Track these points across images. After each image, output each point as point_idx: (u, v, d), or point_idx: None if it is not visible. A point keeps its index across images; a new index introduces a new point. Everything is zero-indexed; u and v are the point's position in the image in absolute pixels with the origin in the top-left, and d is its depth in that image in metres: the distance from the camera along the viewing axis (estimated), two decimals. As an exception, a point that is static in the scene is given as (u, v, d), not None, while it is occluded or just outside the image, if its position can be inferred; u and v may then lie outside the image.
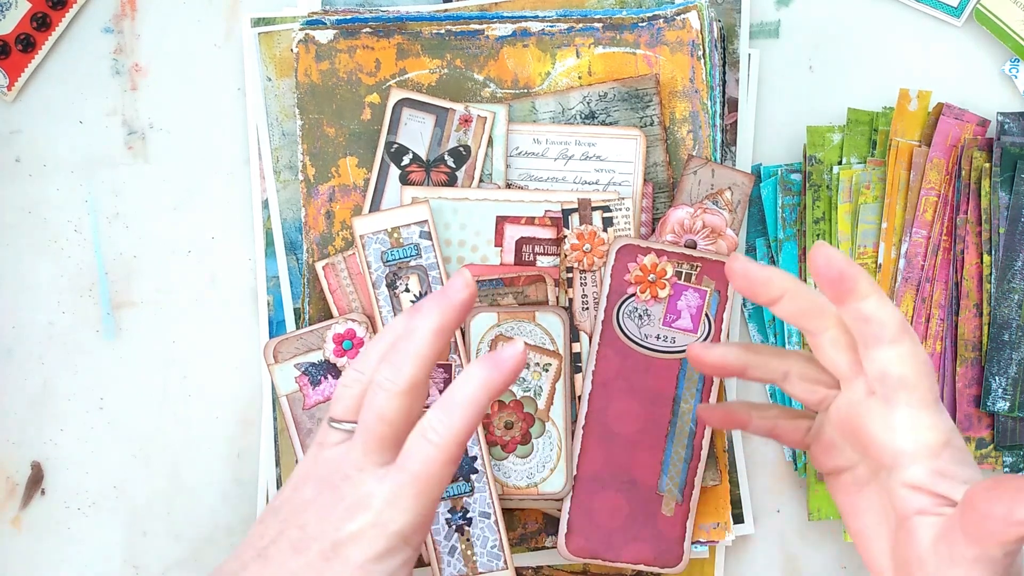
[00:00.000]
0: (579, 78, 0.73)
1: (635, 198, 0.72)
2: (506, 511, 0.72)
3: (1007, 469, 0.73)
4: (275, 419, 0.74)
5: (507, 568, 0.70)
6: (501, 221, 0.72)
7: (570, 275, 0.72)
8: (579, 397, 0.72)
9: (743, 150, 0.75)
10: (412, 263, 0.70)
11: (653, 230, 0.73)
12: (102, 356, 0.76)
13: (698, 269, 0.71)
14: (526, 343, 0.71)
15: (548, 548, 0.73)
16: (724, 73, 0.75)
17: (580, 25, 0.73)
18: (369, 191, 0.72)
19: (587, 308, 0.72)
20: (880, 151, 0.74)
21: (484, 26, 0.73)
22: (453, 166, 0.72)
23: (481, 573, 0.70)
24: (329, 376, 0.71)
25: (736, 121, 0.75)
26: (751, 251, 0.75)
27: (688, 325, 0.71)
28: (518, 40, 0.73)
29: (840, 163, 0.74)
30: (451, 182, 0.72)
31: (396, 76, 0.73)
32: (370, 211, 0.72)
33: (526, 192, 0.72)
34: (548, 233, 0.72)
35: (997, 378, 0.72)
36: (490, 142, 0.72)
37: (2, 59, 0.76)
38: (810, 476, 0.75)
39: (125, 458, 0.76)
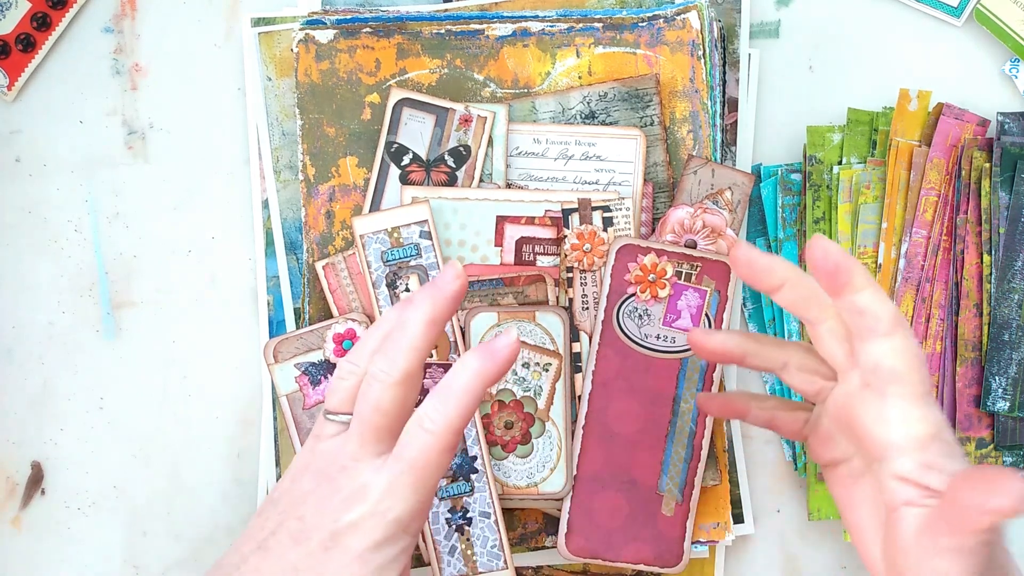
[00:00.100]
0: (579, 78, 0.73)
1: (635, 198, 0.72)
2: (506, 511, 0.72)
3: (1007, 469, 0.74)
4: (275, 419, 0.74)
5: (507, 568, 0.70)
6: (501, 221, 0.72)
7: (570, 275, 0.72)
8: (579, 397, 0.72)
9: (743, 150, 0.75)
10: (412, 263, 0.70)
11: (653, 230, 0.73)
12: (102, 356, 0.76)
13: (698, 269, 0.71)
14: (526, 343, 0.71)
15: (548, 548, 0.73)
16: (724, 73, 0.75)
17: (580, 25, 0.73)
18: (369, 191, 0.72)
19: (587, 308, 0.72)
20: (880, 151, 0.74)
21: (484, 26, 0.73)
22: (453, 166, 0.72)
23: (481, 573, 0.70)
24: (329, 376, 0.71)
25: (736, 121, 0.75)
26: (751, 251, 0.75)
27: (688, 325, 0.71)
28: (518, 40, 0.73)
29: (840, 163, 0.74)
30: (451, 182, 0.72)
31: (396, 76, 0.73)
32: (370, 211, 0.72)
33: (526, 192, 0.72)
34: (548, 233, 0.72)
35: (997, 378, 0.72)
36: (490, 142, 0.72)
37: (2, 59, 0.76)
38: (810, 476, 0.75)
39: (125, 458, 0.76)
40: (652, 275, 0.71)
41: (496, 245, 0.72)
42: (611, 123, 0.73)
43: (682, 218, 0.72)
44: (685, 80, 0.73)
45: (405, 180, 0.72)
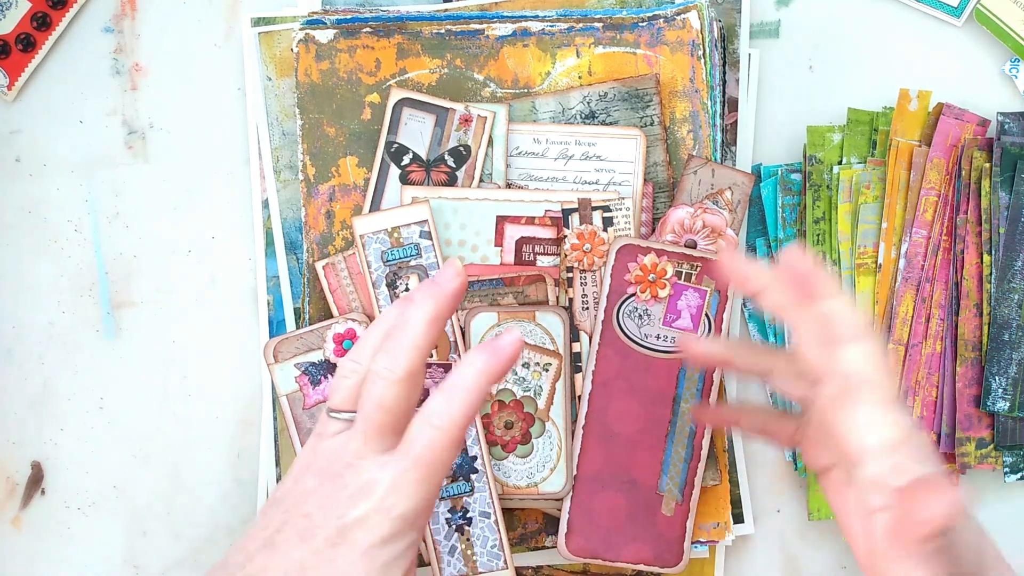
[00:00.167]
0: (579, 78, 0.73)
1: (635, 198, 0.72)
2: (506, 511, 0.72)
3: (1007, 469, 0.73)
4: (275, 419, 0.74)
5: (507, 568, 0.70)
6: (501, 221, 0.72)
7: (570, 275, 0.72)
8: (579, 397, 0.72)
9: (743, 150, 0.75)
10: (412, 263, 0.70)
11: (653, 230, 0.73)
12: (102, 356, 0.76)
13: (698, 269, 0.71)
14: (526, 343, 0.71)
15: (548, 548, 0.73)
16: (724, 73, 0.75)
17: (580, 25, 0.73)
18: (369, 191, 0.72)
19: (587, 308, 0.72)
20: (880, 151, 0.74)
21: (484, 26, 0.73)
22: (453, 166, 0.72)
23: (481, 573, 0.70)
24: (329, 376, 0.71)
25: (736, 121, 0.75)
26: (751, 251, 0.75)
27: (688, 325, 0.71)
28: (518, 40, 0.73)
29: (840, 163, 0.74)
30: (451, 182, 0.72)
31: (396, 76, 0.73)
32: (370, 211, 0.72)
33: (526, 192, 0.72)
34: (548, 233, 0.72)
35: (997, 378, 0.72)
36: (490, 142, 0.72)
37: (2, 59, 0.76)
38: (810, 476, 0.75)
39: (125, 458, 0.76)
40: (652, 275, 0.71)
41: (496, 245, 0.72)
42: (611, 123, 0.73)
43: (682, 218, 0.72)
44: (685, 80, 0.73)
45: (405, 180, 0.72)
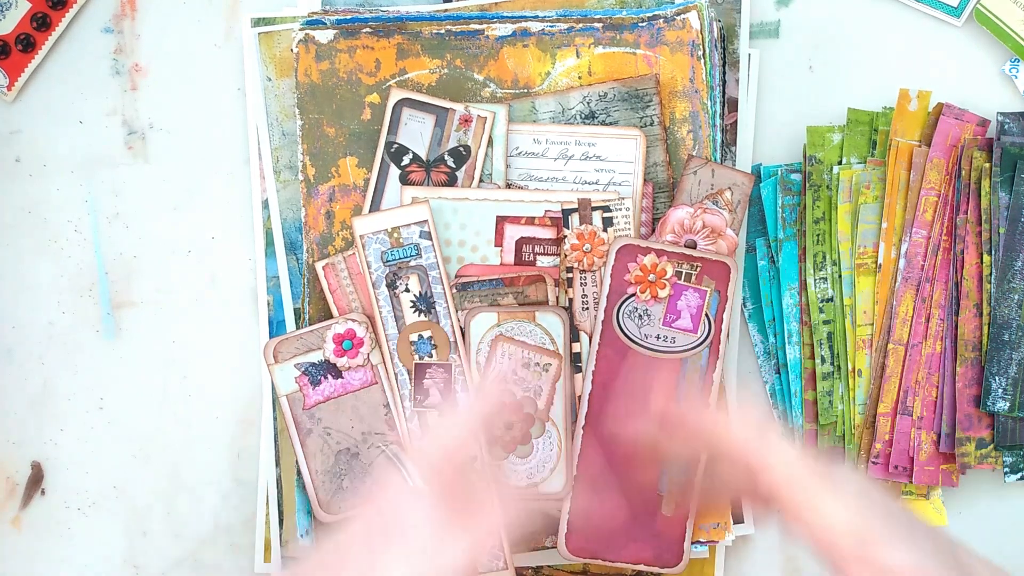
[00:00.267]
0: (579, 78, 0.73)
1: (635, 198, 0.72)
2: (506, 511, 0.72)
3: (1007, 469, 0.73)
4: (275, 419, 0.74)
5: (507, 568, 0.70)
6: (501, 221, 0.72)
7: (570, 275, 0.72)
8: (579, 397, 0.71)
9: (743, 150, 0.75)
10: (412, 263, 0.70)
11: (653, 230, 0.73)
12: (102, 356, 0.76)
13: (698, 269, 0.71)
14: (526, 343, 0.71)
15: (548, 548, 0.73)
16: (724, 73, 0.75)
17: (580, 25, 0.73)
18: (369, 191, 0.72)
19: (587, 308, 0.72)
20: (880, 151, 0.74)
21: (484, 26, 0.73)
22: (453, 166, 0.72)
23: (481, 573, 0.70)
24: (329, 376, 0.71)
25: (736, 121, 0.75)
26: (751, 251, 0.75)
27: (688, 325, 0.71)
28: (518, 40, 0.73)
29: (840, 163, 0.74)
30: (451, 182, 0.72)
31: (396, 76, 0.73)
32: (370, 211, 0.72)
33: (526, 192, 0.72)
34: (548, 233, 0.72)
35: (997, 378, 0.72)
36: (490, 142, 0.72)
37: (2, 59, 0.76)
38: (810, 476, 0.75)
39: (125, 458, 0.76)
40: (652, 275, 0.71)
41: (496, 245, 0.72)
42: (611, 123, 0.73)
43: (682, 218, 0.72)
44: (685, 80, 0.73)
45: (405, 180, 0.72)
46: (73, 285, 0.76)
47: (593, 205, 0.72)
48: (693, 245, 0.72)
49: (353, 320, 0.71)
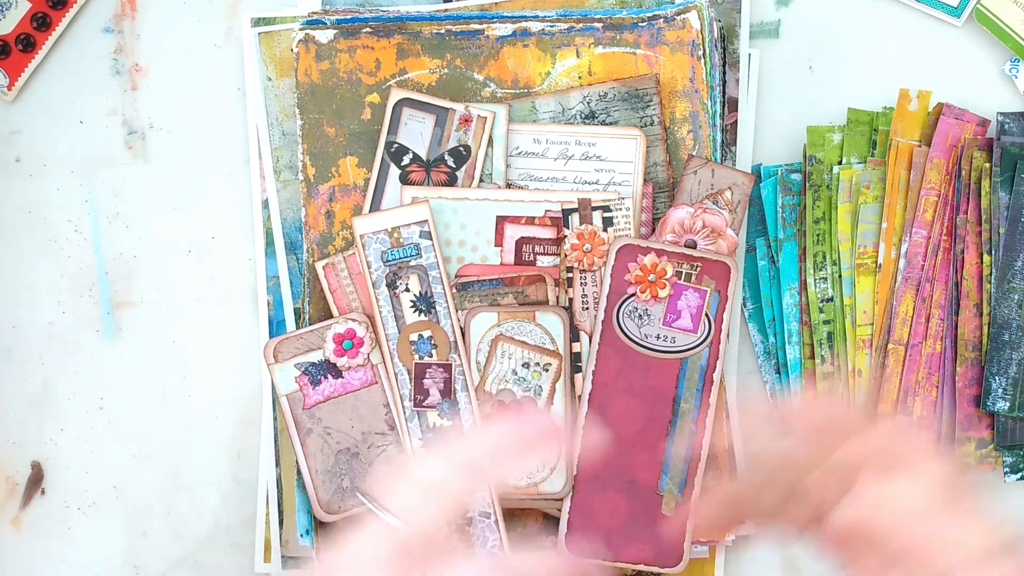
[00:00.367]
0: (579, 78, 0.73)
1: (635, 198, 0.72)
2: (506, 511, 0.72)
3: (1007, 469, 0.73)
4: (275, 419, 0.74)
5: None
6: (501, 221, 0.72)
7: (570, 275, 0.72)
8: (579, 397, 0.72)
9: (743, 150, 0.75)
10: (412, 263, 0.70)
11: (653, 230, 0.73)
12: (102, 356, 0.76)
13: (698, 269, 0.71)
14: (526, 343, 0.71)
15: (548, 548, 0.73)
16: (724, 73, 0.75)
17: (580, 25, 0.73)
18: (369, 191, 0.72)
19: (587, 308, 0.72)
20: (880, 151, 0.74)
21: (484, 26, 0.73)
22: (453, 166, 0.72)
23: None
24: (329, 376, 0.71)
25: (736, 121, 0.75)
26: (751, 251, 0.75)
27: (688, 325, 0.71)
28: (518, 40, 0.73)
29: (840, 163, 0.74)
30: (451, 182, 0.72)
31: (396, 76, 0.73)
32: (370, 211, 0.72)
33: (526, 192, 0.72)
34: (548, 233, 0.72)
35: (997, 378, 0.72)
36: (490, 142, 0.72)
37: (2, 59, 0.76)
38: (810, 476, 0.74)
39: (125, 458, 0.76)
40: (652, 275, 0.71)
41: (496, 245, 0.72)
42: (611, 123, 0.73)
43: (682, 218, 0.72)
44: (685, 80, 0.73)
45: (405, 180, 0.72)
46: (73, 285, 0.76)
47: (593, 205, 0.72)
48: (693, 245, 0.72)
49: (353, 320, 0.71)
